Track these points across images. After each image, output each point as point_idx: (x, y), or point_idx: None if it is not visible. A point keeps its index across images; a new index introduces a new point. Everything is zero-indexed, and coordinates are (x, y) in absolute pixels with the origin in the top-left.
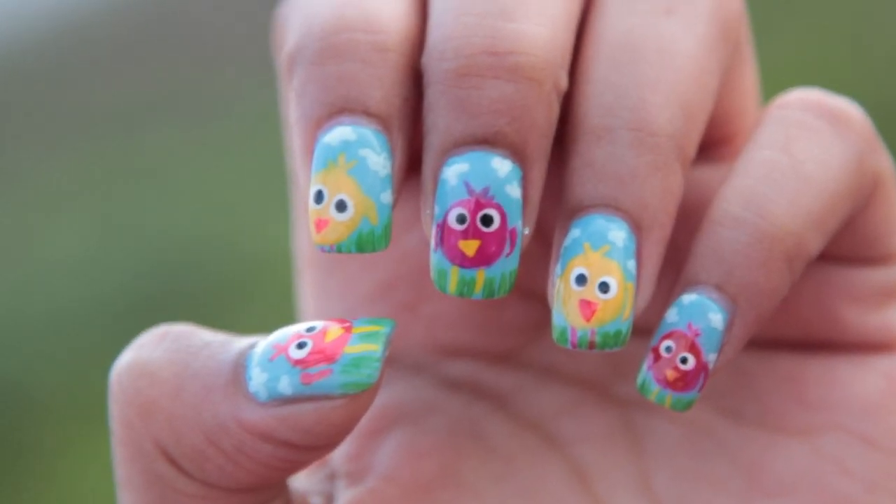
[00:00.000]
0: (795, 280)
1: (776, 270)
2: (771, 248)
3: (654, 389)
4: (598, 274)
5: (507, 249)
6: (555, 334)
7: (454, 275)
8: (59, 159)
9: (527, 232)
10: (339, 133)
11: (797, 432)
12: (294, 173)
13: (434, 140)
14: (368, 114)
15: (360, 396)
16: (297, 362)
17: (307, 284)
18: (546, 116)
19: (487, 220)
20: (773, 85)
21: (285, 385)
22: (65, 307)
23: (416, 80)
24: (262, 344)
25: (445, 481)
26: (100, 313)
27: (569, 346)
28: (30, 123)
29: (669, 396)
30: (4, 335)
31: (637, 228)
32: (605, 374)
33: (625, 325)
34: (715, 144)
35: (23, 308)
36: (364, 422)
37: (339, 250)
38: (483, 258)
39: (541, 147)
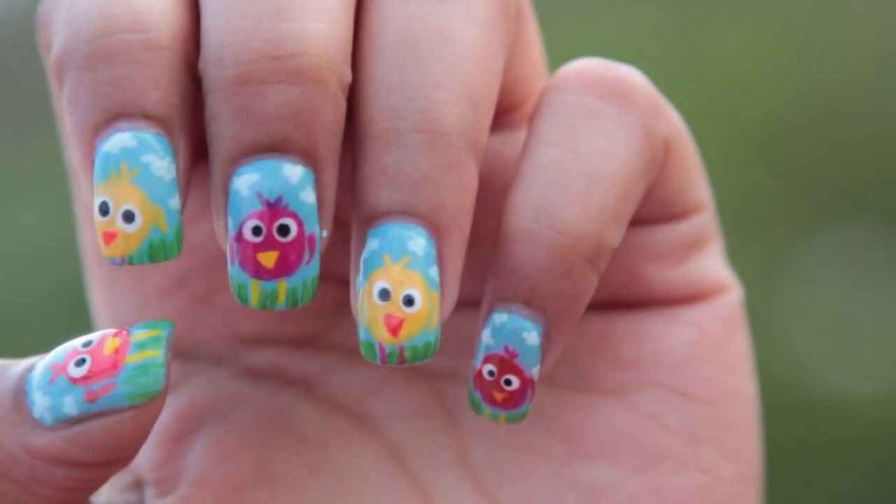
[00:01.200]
0: (601, 272)
1: (581, 276)
2: (571, 258)
3: (486, 409)
4: (401, 287)
5: (306, 257)
6: (362, 350)
7: (255, 288)
8: (20, 146)
9: (325, 235)
10: (119, 140)
11: (612, 392)
12: (74, 176)
13: (220, 149)
14: (147, 117)
15: (149, 405)
16: (79, 380)
17: (95, 282)
18: (333, 116)
19: (284, 230)
20: (726, 66)
21: (70, 405)
22: (27, 296)
23: (192, 78)
24: (40, 366)
25: (259, 478)
26: (62, 302)
27: (378, 362)
28: None
29: (502, 415)
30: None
31: (436, 232)
32: None
33: (433, 335)
34: (504, 112)
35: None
36: (168, 425)
37: (131, 262)
38: (283, 269)
39: (331, 147)
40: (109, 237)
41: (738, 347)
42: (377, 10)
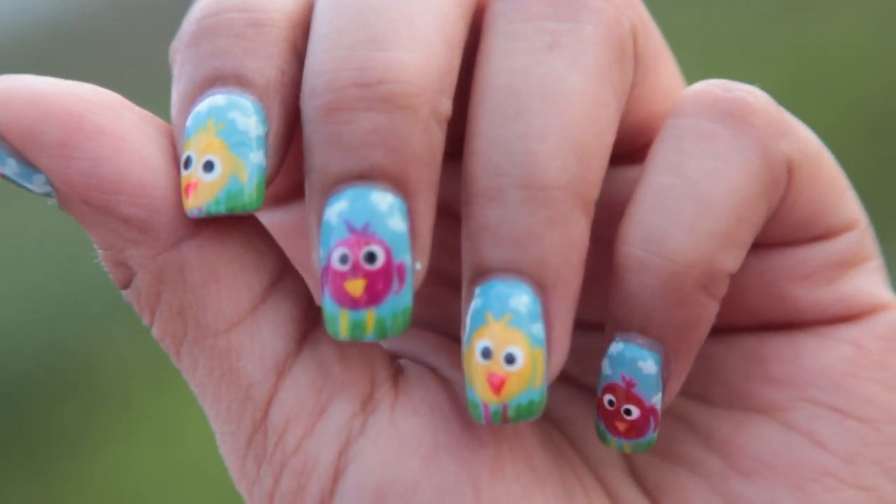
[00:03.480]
0: (720, 299)
1: (694, 302)
2: (682, 285)
3: (612, 440)
4: (502, 345)
5: (395, 287)
6: (469, 409)
7: (344, 318)
8: None
9: (419, 268)
10: (209, 101)
11: (765, 410)
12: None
13: (313, 180)
14: (241, 83)
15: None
16: None
17: None
18: (426, 144)
19: (371, 258)
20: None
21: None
22: None
23: (297, 60)
24: None
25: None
26: None
27: (482, 422)
28: None
29: (627, 444)
30: (68, 305)
31: (540, 289)
32: (571, 367)
33: (537, 393)
34: (641, 149)
35: (83, 274)
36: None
37: (209, 212)
38: (371, 297)
39: (423, 177)
40: (190, 188)
41: None
42: (485, 60)
